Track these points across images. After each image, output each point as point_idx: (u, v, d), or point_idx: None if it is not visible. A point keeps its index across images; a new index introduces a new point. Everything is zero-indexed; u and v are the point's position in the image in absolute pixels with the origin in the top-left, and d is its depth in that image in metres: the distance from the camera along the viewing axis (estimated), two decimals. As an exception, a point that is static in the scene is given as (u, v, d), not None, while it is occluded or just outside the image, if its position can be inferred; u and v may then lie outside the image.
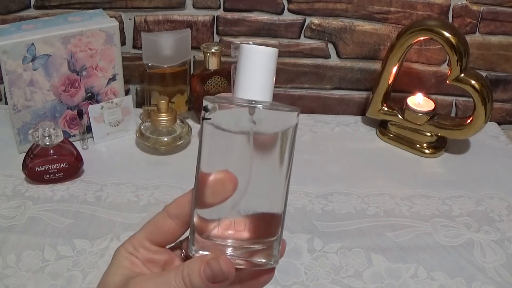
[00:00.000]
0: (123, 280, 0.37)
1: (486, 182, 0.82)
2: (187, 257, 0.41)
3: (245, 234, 0.37)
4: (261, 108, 0.35)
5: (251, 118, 0.35)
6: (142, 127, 0.85)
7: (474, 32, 0.94)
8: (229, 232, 0.37)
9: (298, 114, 0.37)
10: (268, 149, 0.37)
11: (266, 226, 0.38)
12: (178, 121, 0.85)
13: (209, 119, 0.36)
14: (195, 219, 0.37)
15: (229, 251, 0.37)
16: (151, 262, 0.39)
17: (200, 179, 0.37)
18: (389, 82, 0.90)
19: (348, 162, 0.86)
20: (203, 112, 0.36)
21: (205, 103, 0.36)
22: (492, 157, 0.90)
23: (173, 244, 0.40)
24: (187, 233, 0.39)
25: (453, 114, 1.02)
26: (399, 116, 0.90)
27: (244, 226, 0.37)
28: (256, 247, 0.37)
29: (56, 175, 0.75)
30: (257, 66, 0.36)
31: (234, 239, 0.37)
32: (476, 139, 0.92)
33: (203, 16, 0.92)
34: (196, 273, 0.35)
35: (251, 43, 0.36)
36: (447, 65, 0.96)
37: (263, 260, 0.38)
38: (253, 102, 0.36)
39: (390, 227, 0.71)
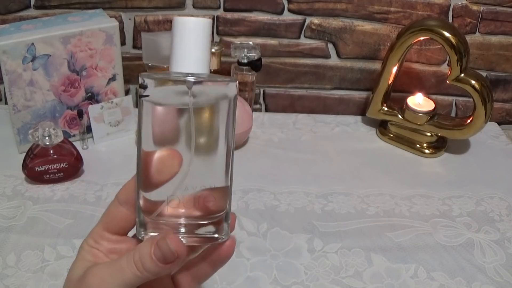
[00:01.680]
0: (83, 272, 0.37)
1: (486, 182, 0.82)
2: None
3: (195, 211, 0.36)
4: (197, 80, 0.35)
5: (189, 92, 0.35)
6: (142, 127, 0.85)
7: (474, 32, 0.94)
8: (179, 210, 0.36)
9: (237, 85, 0.37)
10: (208, 121, 0.37)
11: (215, 200, 0.37)
12: (178, 121, 0.85)
13: (147, 96, 0.35)
14: (142, 202, 0.37)
15: (179, 229, 0.36)
16: (113, 253, 0.39)
17: (144, 159, 0.36)
18: (389, 82, 0.90)
19: (348, 162, 0.86)
20: (140, 90, 0.36)
21: (140, 79, 0.35)
22: (492, 157, 0.90)
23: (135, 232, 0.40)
24: None
25: (453, 114, 1.03)
26: (399, 116, 0.91)
27: (192, 203, 0.36)
28: (206, 222, 0.37)
29: (56, 175, 0.75)
30: (191, 38, 0.36)
31: (184, 217, 0.36)
32: (476, 139, 0.92)
33: (203, 16, 0.92)
34: (147, 256, 0.34)
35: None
36: (447, 65, 0.96)
37: (215, 235, 0.37)
38: (189, 75, 0.36)
39: (390, 227, 0.71)
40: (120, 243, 0.39)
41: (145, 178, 0.36)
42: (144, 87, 0.35)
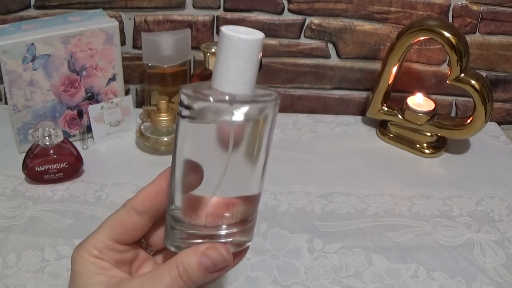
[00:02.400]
0: None
1: (486, 182, 0.82)
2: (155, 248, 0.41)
3: (229, 219, 0.36)
4: (240, 104, 0.34)
5: (231, 109, 0.34)
6: (142, 127, 0.85)
7: (474, 32, 0.94)
8: (213, 219, 0.36)
9: (278, 103, 0.35)
10: (247, 137, 0.35)
11: (247, 207, 0.37)
12: (178, 121, 0.85)
13: (194, 118, 0.34)
14: (181, 207, 0.36)
15: (217, 238, 0.36)
16: (120, 263, 0.38)
17: (187, 166, 0.36)
18: (389, 82, 0.90)
19: (348, 162, 0.86)
20: (184, 109, 0.34)
21: (184, 97, 0.34)
22: (492, 157, 0.90)
23: None
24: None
25: (453, 114, 1.03)
26: (399, 116, 0.90)
27: (226, 210, 0.36)
28: (240, 228, 0.37)
29: (56, 175, 0.75)
30: (239, 57, 0.33)
31: (218, 225, 0.36)
32: (476, 139, 0.92)
33: (203, 16, 0.92)
34: (194, 267, 0.34)
35: (232, 30, 0.33)
36: (447, 65, 0.96)
37: (246, 239, 0.38)
38: (231, 96, 0.34)
39: (390, 227, 0.71)
40: (127, 252, 0.38)
41: (188, 182, 0.36)
42: (190, 108, 0.34)
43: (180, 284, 0.34)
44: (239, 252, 0.39)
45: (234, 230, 0.37)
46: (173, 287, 0.34)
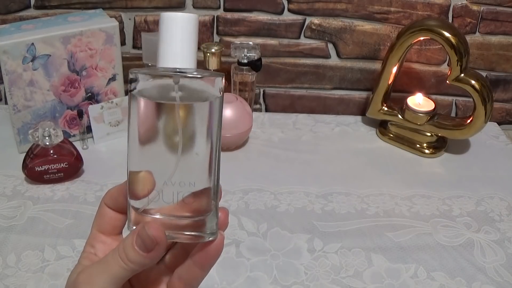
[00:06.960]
0: (76, 275, 0.37)
1: (486, 182, 0.82)
2: None
3: (179, 210, 0.36)
4: (182, 75, 0.35)
5: (176, 87, 0.35)
6: (142, 127, 0.85)
7: (474, 32, 0.94)
8: (164, 207, 0.36)
9: (223, 80, 0.36)
10: (193, 118, 0.36)
11: (198, 201, 0.37)
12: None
13: (134, 89, 0.35)
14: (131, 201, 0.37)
15: (162, 221, 0.36)
16: None
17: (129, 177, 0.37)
18: (389, 82, 0.90)
19: (348, 162, 0.86)
20: (129, 85, 0.35)
21: (130, 75, 0.36)
22: (492, 157, 0.90)
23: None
24: None
25: (453, 114, 1.03)
26: (399, 116, 0.91)
27: (176, 201, 0.36)
28: (190, 220, 0.36)
29: (56, 175, 0.75)
30: (177, 33, 0.36)
31: (169, 214, 0.36)
32: (476, 139, 0.92)
33: (203, 16, 0.92)
34: (129, 246, 0.34)
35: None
36: (447, 65, 0.96)
37: (199, 234, 0.37)
38: (177, 70, 0.35)
39: (390, 227, 0.71)
40: (115, 245, 0.39)
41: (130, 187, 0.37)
42: (134, 80, 0.35)
43: (120, 265, 0.34)
44: (206, 251, 0.37)
45: (183, 221, 0.36)
46: (114, 267, 0.35)
